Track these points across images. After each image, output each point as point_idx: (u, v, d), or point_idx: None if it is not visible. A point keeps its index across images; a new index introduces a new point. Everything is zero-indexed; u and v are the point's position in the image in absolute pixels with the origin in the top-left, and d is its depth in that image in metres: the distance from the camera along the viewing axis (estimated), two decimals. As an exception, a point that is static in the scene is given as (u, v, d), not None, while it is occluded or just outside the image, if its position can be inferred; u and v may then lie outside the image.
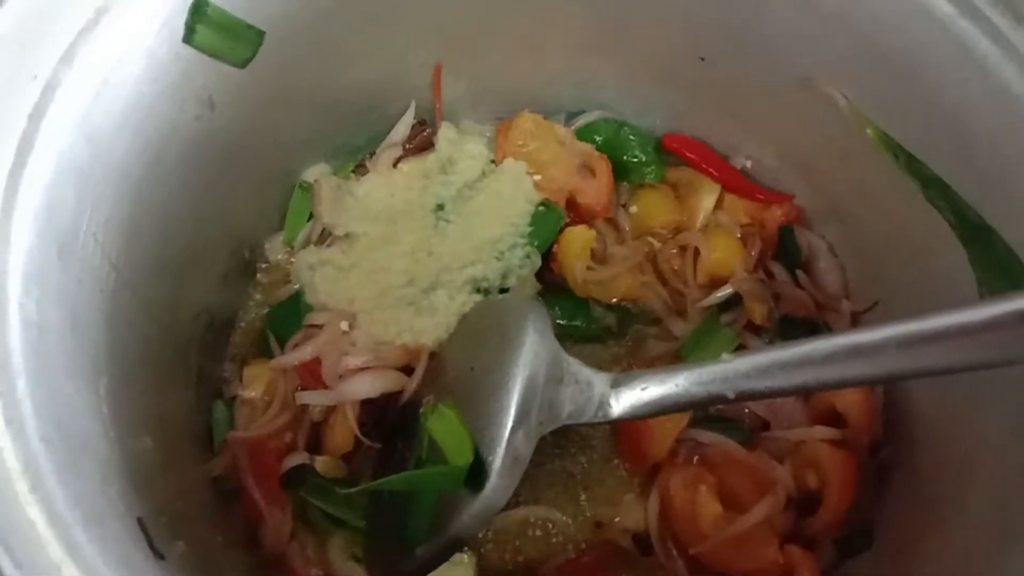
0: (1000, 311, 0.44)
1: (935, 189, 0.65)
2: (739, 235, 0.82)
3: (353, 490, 0.64)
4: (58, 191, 0.50)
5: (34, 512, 0.39)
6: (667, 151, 0.85)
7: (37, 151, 0.49)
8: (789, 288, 0.80)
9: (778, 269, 0.82)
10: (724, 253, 0.80)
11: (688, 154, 0.84)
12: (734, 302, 0.79)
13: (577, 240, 0.79)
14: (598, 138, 0.84)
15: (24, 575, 0.38)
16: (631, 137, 0.84)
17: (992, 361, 0.46)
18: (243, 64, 0.65)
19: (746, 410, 0.74)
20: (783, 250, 0.82)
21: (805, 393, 0.71)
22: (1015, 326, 0.44)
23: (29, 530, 0.39)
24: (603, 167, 0.82)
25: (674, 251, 0.83)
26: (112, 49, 0.54)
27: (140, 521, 0.48)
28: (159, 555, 0.48)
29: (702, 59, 0.77)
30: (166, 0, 0.57)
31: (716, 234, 0.81)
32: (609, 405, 0.58)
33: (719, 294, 0.79)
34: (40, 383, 0.44)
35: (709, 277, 0.80)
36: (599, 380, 0.59)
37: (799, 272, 0.81)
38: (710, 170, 0.83)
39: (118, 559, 0.42)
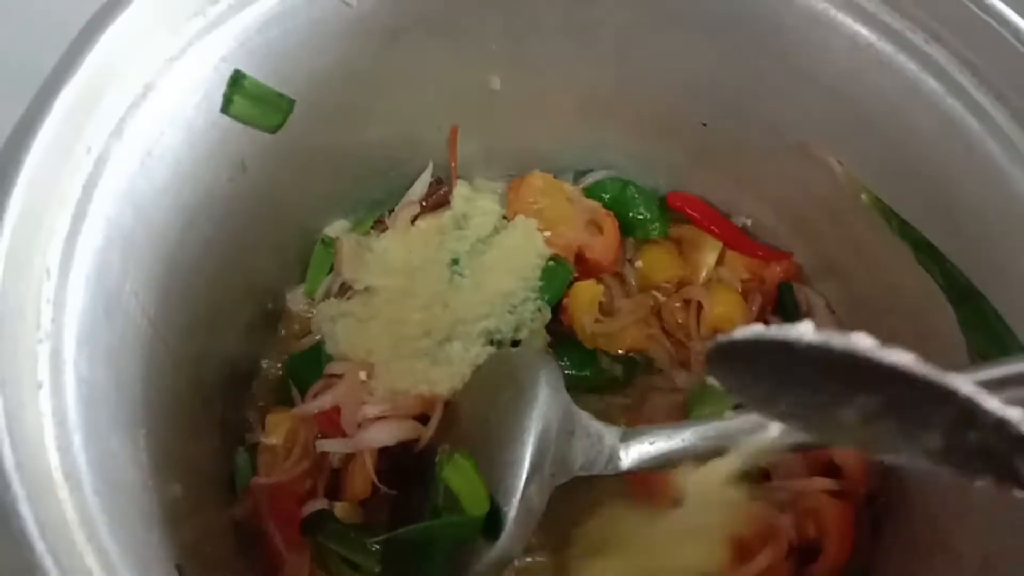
0: (983, 378, 0.47)
1: (926, 253, 0.69)
2: (740, 290, 0.86)
3: (375, 540, 0.67)
4: (106, 255, 0.54)
5: (91, 561, 0.42)
6: (671, 209, 0.89)
7: (90, 219, 0.53)
8: (788, 342, 0.83)
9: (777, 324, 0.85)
10: (726, 308, 0.83)
11: (691, 212, 0.88)
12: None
13: (586, 294, 0.82)
14: (605, 196, 0.88)
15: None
16: (636, 195, 0.88)
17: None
18: (274, 130, 0.69)
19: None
20: (782, 306, 0.85)
21: (802, 450, 0.74)
22: (996, 391, 0.47)
23: (88, 579, 0.42)
24: (610, 224, 0.86)
25: (678, 305, 0.86)
26: (157, 122, 0.58)
27: (179, 568, 0.51)
28: (197, 600, 0.51)
29: (704, 124, 0.81)
30: (205, 75, 0.61)
31: (718, 289, 0.85)
32: (619, 458, 0.61)
33: (719, 347, 0.83)
34: (92, 438, 0.47)
35: (712, 330, 0.84)
36: (609, 433, 0.62)
37: (798, 327, 0.84)
38: (712, 228, 0.87)
39: (165, 605, 0.45)
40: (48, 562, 0.39)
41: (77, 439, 0.46)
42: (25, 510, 0.40)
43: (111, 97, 0.55)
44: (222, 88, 0.63)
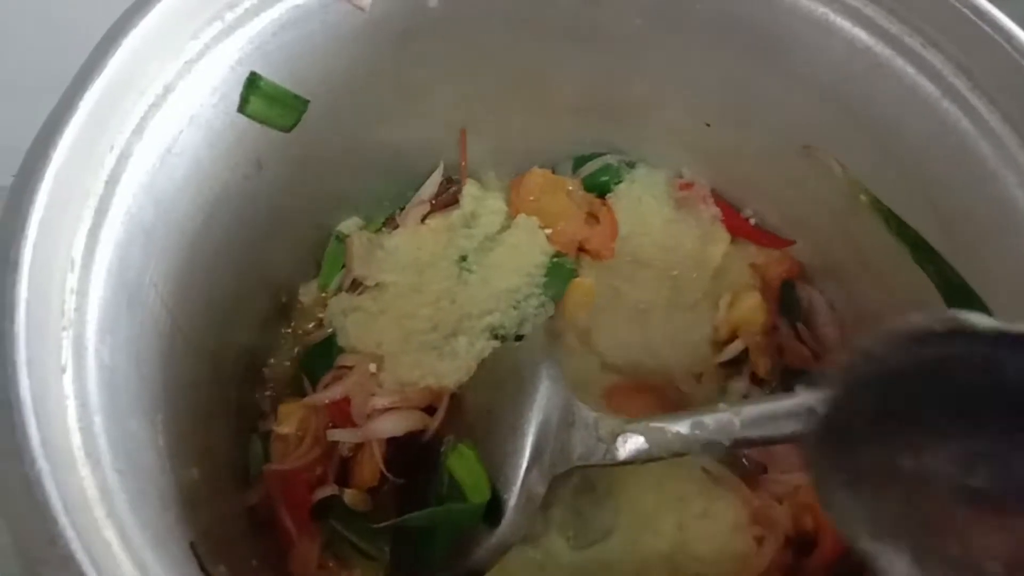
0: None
1: (921, 251, 0.70)
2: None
3: (382, 525, 0.69)
4: (128, 248, 0.57)
5: (109, 534, 0.45)
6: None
7: (112, 213, 0.56)
8: (791, 341, 0.85)
9: (781, 323, 0.87)
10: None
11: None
12: (741, 358, 0.84)
13: (577, 291, 0.84)
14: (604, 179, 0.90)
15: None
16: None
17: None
18: (289, 129, 0.72)
19: (744, 459, 0.78)
20: (785, 304, 0.87)
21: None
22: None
23: (106, 549, 0.44)
24: (606, 213, 0.88)
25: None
26: (176, 122, 0.61)
27: (192, 545, 0.54)
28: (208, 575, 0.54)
29: (707, 125, 0.83)
30: (223, 77, 0.64)
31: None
32: (616, 449, 0.63)
33: (730, 348, 0.84)
34: (112, 420, 0.50)
35: (732, 330, 0.85)
36: (607, 425, 0.64)
37: (799, 325, 0.86)
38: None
39: (179, 577, 0.48)
40: (70, 533, 0.42)
41: (98, 420, 0.49)
42: (49, 484, 0.43)
43: (132, 98, 0.58)
44: (239, 89, 0.65)
